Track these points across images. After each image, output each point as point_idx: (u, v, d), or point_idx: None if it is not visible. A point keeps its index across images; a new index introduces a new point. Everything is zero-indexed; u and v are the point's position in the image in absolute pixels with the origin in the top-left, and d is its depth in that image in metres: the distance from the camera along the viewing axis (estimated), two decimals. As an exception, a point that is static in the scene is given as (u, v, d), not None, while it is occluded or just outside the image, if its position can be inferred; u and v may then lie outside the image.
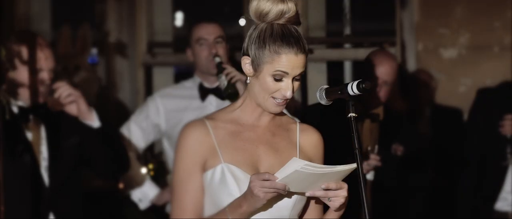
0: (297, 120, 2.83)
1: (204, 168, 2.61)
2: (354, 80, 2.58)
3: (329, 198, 2.56)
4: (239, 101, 2.70)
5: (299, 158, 2.64)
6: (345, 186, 2.55)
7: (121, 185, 4.98)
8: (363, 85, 2.54)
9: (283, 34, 2.57)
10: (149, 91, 7.01)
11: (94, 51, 6.95)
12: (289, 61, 2.56)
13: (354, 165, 2.52)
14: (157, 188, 4.39)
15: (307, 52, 2.60)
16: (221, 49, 4.16)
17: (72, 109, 3.64)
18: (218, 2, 7.98)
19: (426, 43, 6.41)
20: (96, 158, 3.72)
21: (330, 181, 2.52)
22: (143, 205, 4.40)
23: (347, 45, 7.02)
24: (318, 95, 2.67)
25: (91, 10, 7.18)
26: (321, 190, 2.54)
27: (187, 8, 8.20)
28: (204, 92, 4.23)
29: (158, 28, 7.25)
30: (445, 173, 5.88)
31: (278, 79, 2.58)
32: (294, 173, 2.47)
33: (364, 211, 2.49)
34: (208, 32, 4.16)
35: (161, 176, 4.82)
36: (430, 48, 6.41)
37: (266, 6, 2.57)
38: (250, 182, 2.51)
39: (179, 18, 8.25)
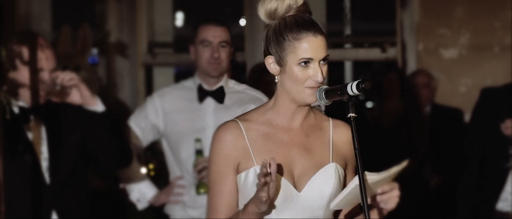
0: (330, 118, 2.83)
1: (237, 170, 2.66)
2: (353, 80, 2.58)
3: (385, 202, 2.61)
4: (271, 102, 2.72)
5: (332, 157, 2.68)
6: (396, 185, 2.60)
7: (121, 185, 4.97)
8: (363, 85, 2.54)
9: (297, 22, 2.61)
10: (149, 91, 7.01)
11: (94, 51, 6.95)
12: (310, 44, 2.59)
13: (404, 163, 2.57)
14: (155, 188, 4.38)
15: (325, 34, 2.63)
16: (224, 54, 4.16)
17: (75, 97, 3.63)
18: (218, 2, 7.99)
19: (427, 43, 6.41)
20: (101, 147, 3.69)
21: (383, 185, 2.57)
22: (141, 205, 4.39)
23: (347, 45, 7.03)
24: (318, 95, 2.67)
25: (91, 10, 7.19)
26: (375, 196, 2.60)
27: (187, 8, 8.21)
28: (202, 94, 4.21)
29: (159, 28, 7.25)
30: (445, 173, 5.89)
31: (305, 66, 2.60)
32: (355, 188, 2.51)
33: (364, 211, 2.50)
34: (214, 35, 4.14)
35: (161, 176, 4.81)
36: (430, 48, 6.41)
37: (273, 5, 2.62)
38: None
39: (179, 18, 8.26)
